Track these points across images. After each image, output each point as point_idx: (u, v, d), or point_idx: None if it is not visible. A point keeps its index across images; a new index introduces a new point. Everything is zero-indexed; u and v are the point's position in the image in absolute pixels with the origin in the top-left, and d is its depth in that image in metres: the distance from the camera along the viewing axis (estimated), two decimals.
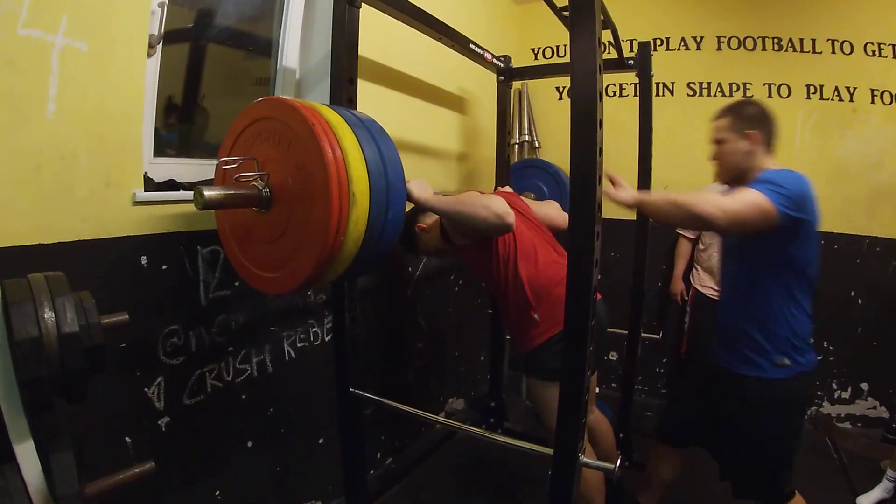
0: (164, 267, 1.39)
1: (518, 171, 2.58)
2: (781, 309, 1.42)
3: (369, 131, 1.13)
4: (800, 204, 1.32)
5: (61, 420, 1.04)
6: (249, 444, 1.67)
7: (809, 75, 2.58)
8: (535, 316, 1.62)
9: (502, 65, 2.39)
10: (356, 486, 1.66)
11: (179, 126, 1.78)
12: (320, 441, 1.93)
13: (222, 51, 1.96)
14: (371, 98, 2.05)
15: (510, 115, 3.17)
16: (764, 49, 2.61)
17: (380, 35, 1.94)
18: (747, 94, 2.67)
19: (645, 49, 2.17)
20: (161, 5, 1.44)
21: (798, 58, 2.58)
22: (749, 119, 1.51)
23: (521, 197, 1.98)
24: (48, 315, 0.87)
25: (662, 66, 2.79)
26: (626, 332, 2.35)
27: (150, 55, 1.45)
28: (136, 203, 1.33)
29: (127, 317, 1.05)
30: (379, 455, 2.27)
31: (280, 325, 1.74)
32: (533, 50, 3.07)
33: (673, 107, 2.84)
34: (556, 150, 3.10)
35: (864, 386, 2.67)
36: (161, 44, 1.49)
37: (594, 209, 1.07)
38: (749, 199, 1.31)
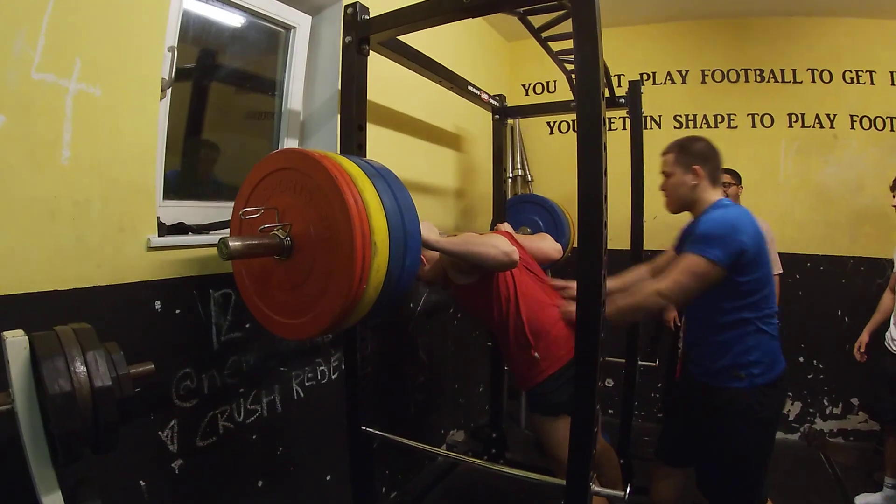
0: (177, 311, 1.42)
1: (514, 206, 2.66)
2: (735, 327, 1.52)
3: (386, 181, 1.19)
4: (734, 244, 1.44)
5: (86, 469, 1.06)
6: (260, 483, 1.68)
7: (791, 104, 2.72)
8: (536, 354, 1.67)
9: (497, 104, 2.49)
10: None
11: (185, 168, 1.82)
12: (328, 478, 1.94)
13: (227, 90, 2.02)
14: (372, 139, 2.12)
15: (506, 149, 3.28)
16: (747, 81, 2.76)
17: (381, 78, 2.02)
18: (732, 125, 2.80)
19: (635, 87, 2.28)
20: (171, 49, 1.49)
21: (780, 88, 2.72)
22: (694, 155, 1.62)
23: (515, 235, 2.05)
24: (80, 370, 0.90)
25: (649, 100, 2.92)
26: (623, 360, 2.38)
27: (161, 98, 1.50)
28: (150, 248, 1.36)
29: (153, 366, 1.08)
30: (384, 489, 2.27)
31: (289, 364, 1.77)
32: (524, 86, 3.19)
33: (660, 139, 2.88)
34: (548, 183, 3.21)
35: (855, 401, 2.75)
36: (171, 87, 1.55)
37: (601, 236, 1.15)
38: (685, 270, 1.46)
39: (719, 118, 2.84)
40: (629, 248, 2.44)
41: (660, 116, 2.97)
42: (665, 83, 2.93)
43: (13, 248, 1.09)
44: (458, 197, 2.75)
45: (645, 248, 2.98)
